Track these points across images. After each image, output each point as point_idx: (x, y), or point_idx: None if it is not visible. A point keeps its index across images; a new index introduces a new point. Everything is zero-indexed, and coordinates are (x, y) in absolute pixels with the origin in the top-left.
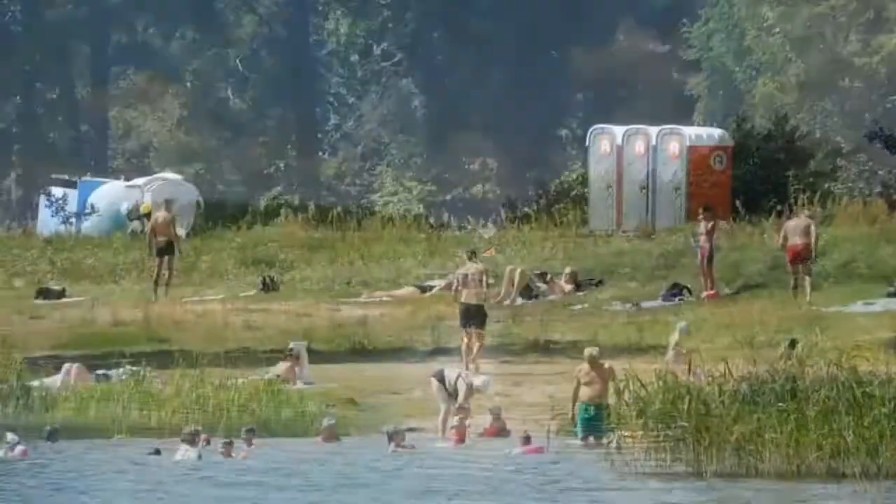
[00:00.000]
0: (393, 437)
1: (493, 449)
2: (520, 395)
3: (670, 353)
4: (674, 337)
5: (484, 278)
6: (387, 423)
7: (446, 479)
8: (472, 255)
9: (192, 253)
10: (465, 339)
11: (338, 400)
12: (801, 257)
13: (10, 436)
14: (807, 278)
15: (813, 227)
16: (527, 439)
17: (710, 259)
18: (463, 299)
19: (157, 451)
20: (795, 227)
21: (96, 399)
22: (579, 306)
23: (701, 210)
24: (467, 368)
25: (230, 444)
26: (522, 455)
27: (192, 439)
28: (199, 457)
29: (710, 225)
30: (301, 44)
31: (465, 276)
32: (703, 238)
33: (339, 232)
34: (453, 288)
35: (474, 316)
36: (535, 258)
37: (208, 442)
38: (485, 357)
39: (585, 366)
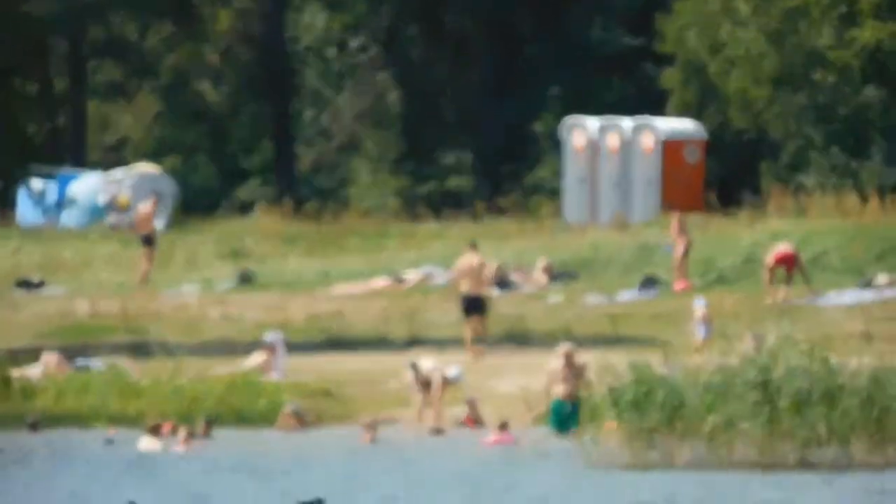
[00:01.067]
0: (367, 428)
1: (466, 438)
2: (495, 386)
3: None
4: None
5: (485, 268)
6: (361, 414)
7: (421, 468)
8: (474, 246)
9: (168, 245)
10: (467, 329)
11: (313, 391)
12: (789, 265)
13: None
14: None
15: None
16: (503, 427)
17: (686, 252)
18: (463, 289)
19: (110, 442)
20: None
21: (75, 389)
22: (554, 298)
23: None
24: (469, 352)
25: (191, 434)
26: (494, 444)
27: (155, 430)
28: (162, 447)
29: (678, 227)
30: (277, 38)
31: (468, 266)
32: (675, 239)
33: (315, 225)
34: (457, 277)
35: (476, 305)
36: (510, 251)
37: (174, 431)
38: (459, 349)
39: (560, 362)
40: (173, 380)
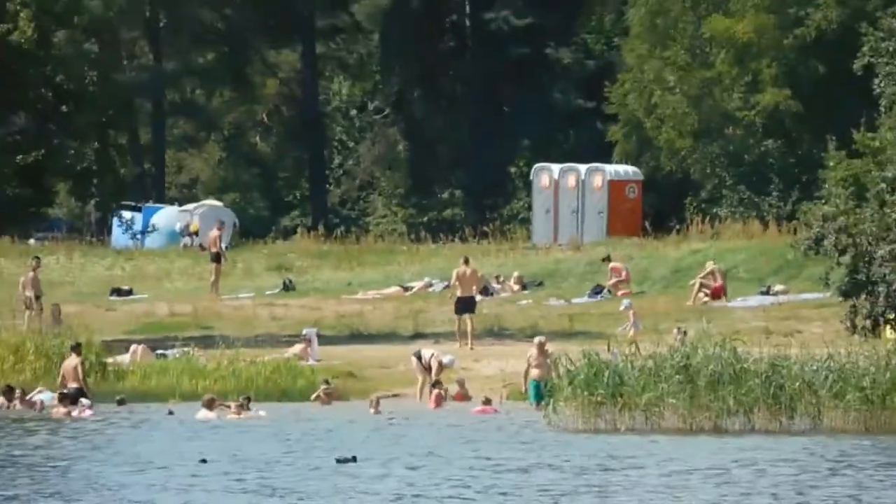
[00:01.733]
0: (373, 403)
1: (457, 410)
2: (479, 369)
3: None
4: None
5: (477, 276)
6: (377, 392)
7: (409, 431)
8: (466, 260)
9: (229, 261)
10: (459, 324)
11: (340, 373)
12: (718, 294)
13: (83, 400)
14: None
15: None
16: (487, 402)
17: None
18: (459, 293)
19: (171, 413)
20: (716, 271)
21: (156, 372)
22: (525, 302)
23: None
24: (468, 347)
25: (241, 406)
26: (479, 414)
27: (210, 404)
28: (216, 416)
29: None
30: (312, 100)
31: (463, 275)
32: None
33: (341, 245)
34: (452, 285)
35: (468, 305)
36: (491, 265)
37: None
38: (452, 340)
39: (535, 351)
40: (231, 365)
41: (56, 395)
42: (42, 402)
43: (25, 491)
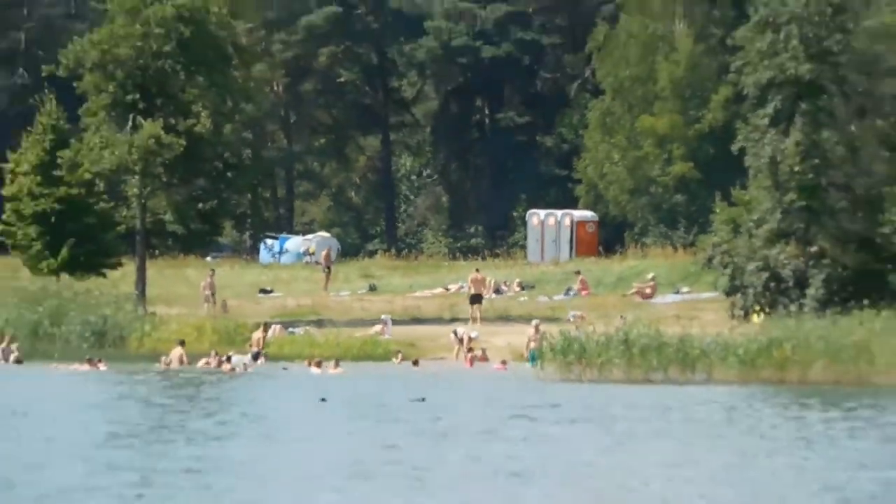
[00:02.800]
0: (415, 362)
1: (480, 367)
2: (494, 342)
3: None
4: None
5: (484, 280)
6: (427, 355)
7: (453, 380)
8: (477, 270)
9: (335, 272)
10: (472, 311)
11: (404, 344)
12: (650, 295)
13: (234, 359)
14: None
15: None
16: (504, 363)
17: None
18: (472, 291)
19: (286, 368)
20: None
21: (288, 343)
22: (523, 298)
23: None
24: (477, 325)
25: (336, 364)
26: (496, 370)
27: (318, 364)
28: (321, 372)
29: (580, 280)
30: (387, 170)
31: (474, 279)
32: (578, 279)
33: (405, 261)
34: (468, 286)
35: (478, 299)
36: (501, 275)
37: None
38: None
39: (532, 331)
40: (336, 338)
41: (248, 356)
42: (231, 360)
43: (228, 408)
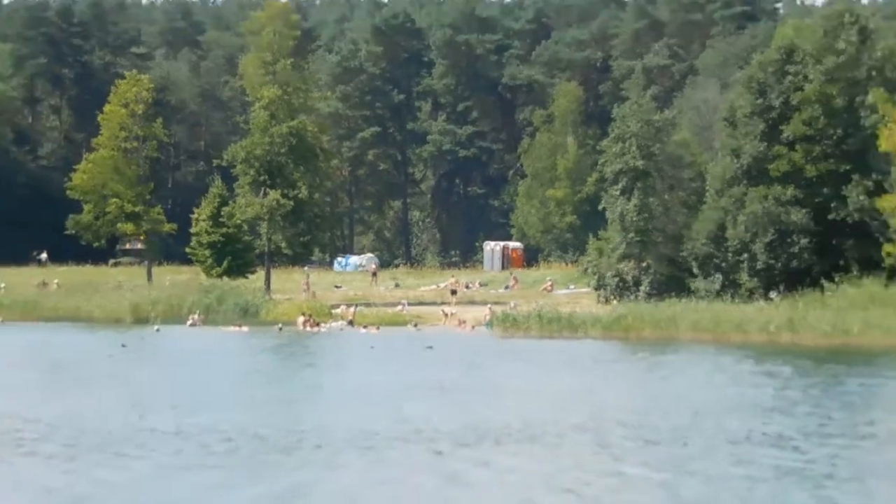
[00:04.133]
0: (416, 325)
1: (458, 330)
2: (465, 316)
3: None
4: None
5: (458, 281)
6: (425, 324)
7: (443, 338)
8: (453, 276)
9: (377, 277)
10: (451, 299)
11: (414, 317)
12: (550, 290)
13: (333, 324)
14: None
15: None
16: (474, 327)
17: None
18: (451, 288)
19: (350, 324)
20: (548, 282)
21: (358, 315)
22: (482, 291)
23: (517, 260)
24: (452, 306)
25: (377, 328)
26: (467, 332)
27: (366, 326)
28: (367, 331)
29: (513, 277)
30: (406, 220)
31: (452, 282)
32: (511, 278)
33: (415, 271)
34: (450, 285)
35: (454, 293)
36: (469, 278)
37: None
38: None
39: (487, 310)
40: (377, 313)
41: (342, 322)
42: (320, 325)
43: (323, 351)
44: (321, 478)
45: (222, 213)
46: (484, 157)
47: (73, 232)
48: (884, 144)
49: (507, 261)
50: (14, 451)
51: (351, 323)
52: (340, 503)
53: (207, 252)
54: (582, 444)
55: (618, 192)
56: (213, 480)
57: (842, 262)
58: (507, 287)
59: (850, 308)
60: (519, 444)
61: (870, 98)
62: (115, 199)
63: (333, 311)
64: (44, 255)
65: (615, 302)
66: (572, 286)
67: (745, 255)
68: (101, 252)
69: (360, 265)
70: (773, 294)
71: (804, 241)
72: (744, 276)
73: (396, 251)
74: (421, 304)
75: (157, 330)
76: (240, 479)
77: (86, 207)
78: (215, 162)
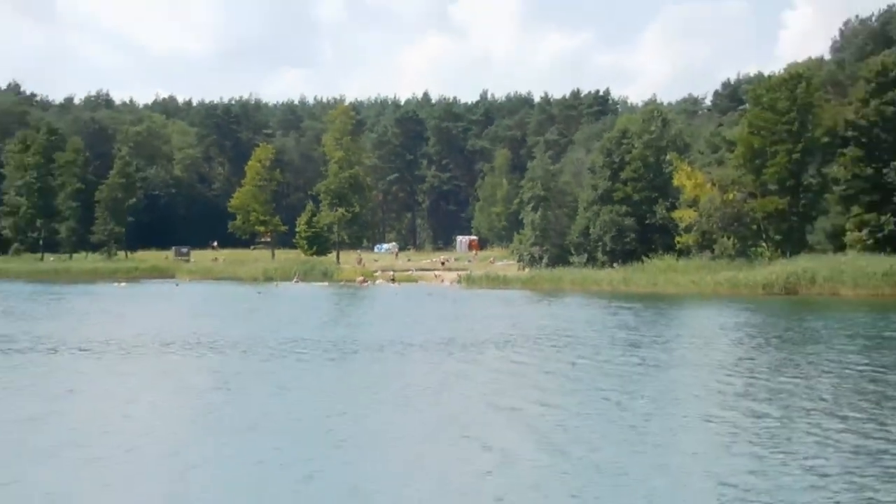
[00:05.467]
0: (395, 281)
1: (443, 285)
2: (447, 277)
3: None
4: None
5: (444, 258)
6: (426, 282)
7: (436, 290)
8: (442, 256)
9: (396, 255)
10: (441, 269)
11: (419, 277)
12: (493, 263)
13: (358, 278)
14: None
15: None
16: (452, 282)
17: (480, 247)
18: (440, 262)
19: (392, 280)
20: (491, 257)
21: (385, 277)
22: (456, 263)
23: (475, 245)
24: (441, 273)
25: (398, 283)
26: (449, 287)
27: (393, 279)
28: (398, 285)
29: (473, 255)
30: (413, 226)
31: (440, 258)
32: (472, 255)
33: (419, 252)
34: (439, 260)
35: (442, 265)
36: (449, 256)
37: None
38: (441, 272)
39: (459, 273)
40: (399, 276)
41: (387, 281)
42: (367, 282)
43: (370, 300)
44: (398, 369)
45: (312, 220)
46: (456, 190)
47: (232, 230)
48: (675, 182)
49: (469, 247)
50: (210, 351)
51: (393, 279)
52: (407, 383)
53: (304, 242)
54: (517, 345)
55: (530, 209)
56: (337, 371)
57: (653, 247)
58: (469, 261)
59: (658, 272)
60: (497, 347)
61: (668, 157)
62: (254, 213)
63: (375, 274)
64: (215, 243)
65: (528, 269)
66: (505, 260)
67: (600, 244)
68: (246, 241)
69: (388, 249)
70: (615, 265)
71: (632, 235)
72: (599, 255)
73: (408, 241)
74: (423, 270)
75: (277, 285)
76: (353, 367)
77: (238, 217)
78: (309, 192)
